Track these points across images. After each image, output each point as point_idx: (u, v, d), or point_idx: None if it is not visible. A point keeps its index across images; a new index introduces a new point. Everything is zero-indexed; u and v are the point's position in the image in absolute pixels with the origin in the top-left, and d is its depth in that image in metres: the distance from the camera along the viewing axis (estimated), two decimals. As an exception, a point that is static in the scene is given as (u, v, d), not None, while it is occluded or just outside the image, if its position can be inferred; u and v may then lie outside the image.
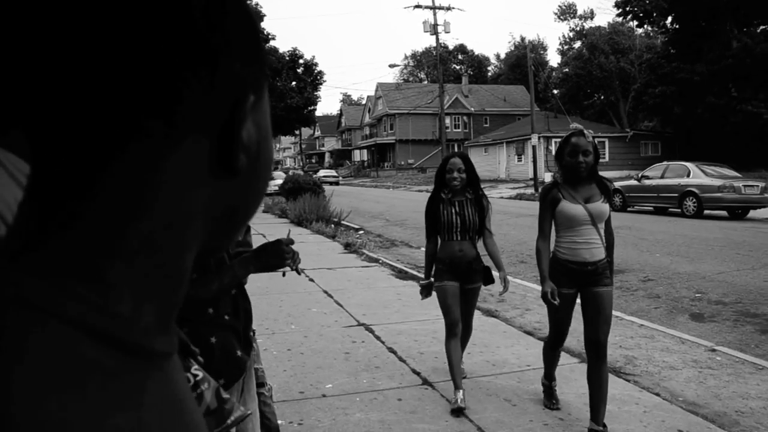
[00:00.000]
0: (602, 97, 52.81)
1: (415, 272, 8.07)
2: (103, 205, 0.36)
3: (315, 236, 12.57)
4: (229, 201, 0.43)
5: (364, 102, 74.31)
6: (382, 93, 59.89)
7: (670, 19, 37.36)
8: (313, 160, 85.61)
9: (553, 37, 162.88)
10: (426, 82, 68.84)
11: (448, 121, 52.12)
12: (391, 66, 65.09)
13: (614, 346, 4.86)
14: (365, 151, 67.49)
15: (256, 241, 2.04)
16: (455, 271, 3.84)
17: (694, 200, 15.72)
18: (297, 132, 66.12)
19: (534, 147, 28.84)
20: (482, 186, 4.03)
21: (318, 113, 69.72)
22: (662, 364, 4.64)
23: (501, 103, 57.18)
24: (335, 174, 50.74)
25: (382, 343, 5.07)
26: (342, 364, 4.55)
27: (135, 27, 0.34)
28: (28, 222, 0.37)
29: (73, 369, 0.33)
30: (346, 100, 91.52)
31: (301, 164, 73.35)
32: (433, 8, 39.32)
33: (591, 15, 59.49)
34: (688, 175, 16.19)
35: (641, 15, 38.77)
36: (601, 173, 3.48)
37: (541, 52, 70.45)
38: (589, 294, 3.37)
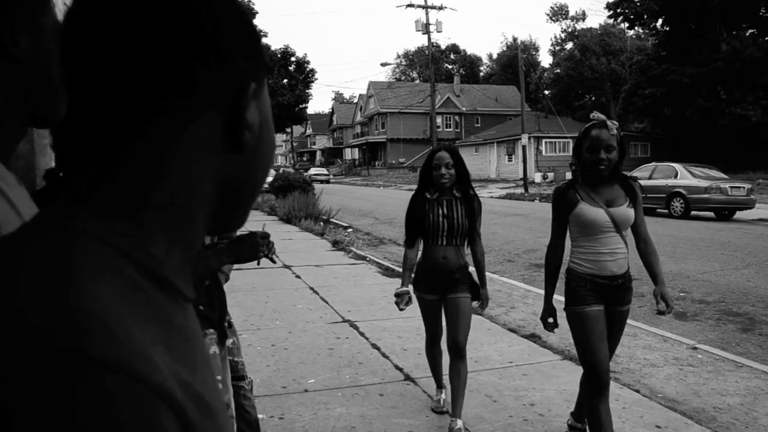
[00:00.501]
0: (593, 98, 53.16)
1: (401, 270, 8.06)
2: (141, 165, 0.48)
3: (303, 234, 12.56)
4: (237, 173, 0.53)
5: (355, 100, 74.31)
6: (374, 92, 59.91)
7: (660, 21, 37.65)
8: (305, 158, 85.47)
9: (545, 38, 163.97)
10: (418, 82, 68.93)
11: (439, 120, 52.25)
12: (383, 65, 65.48)
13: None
14: (356, 149, 67.49)
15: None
16: (434, 279, 3.40)
17: (682, 201, 15.82)
18: (288, 130, 66.17)
19: (524, 147, 28.98)
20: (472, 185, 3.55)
21: (309, 111, 69.81)
22: (643, 361, 4.68)
23: (492, 103, 57.31)
24: (326, 172, 50.70)
25: (366, 339, 5.08)
26: (325, 359, 4.55)
27: (166, 37, 0.47)
28: (83, 178, 0.49)
29: (126, 285, 0.44)
30: (338, 98, 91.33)
31: (292, 162, 73.21)
32: (426, 7, 39.41)
33: (583, 16, 60.17)
34: (676, 176, 16.30)
35: (632, 17, 39.05)
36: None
37: (533, 52, 70.70)
38: (616, 314, 2.95)
